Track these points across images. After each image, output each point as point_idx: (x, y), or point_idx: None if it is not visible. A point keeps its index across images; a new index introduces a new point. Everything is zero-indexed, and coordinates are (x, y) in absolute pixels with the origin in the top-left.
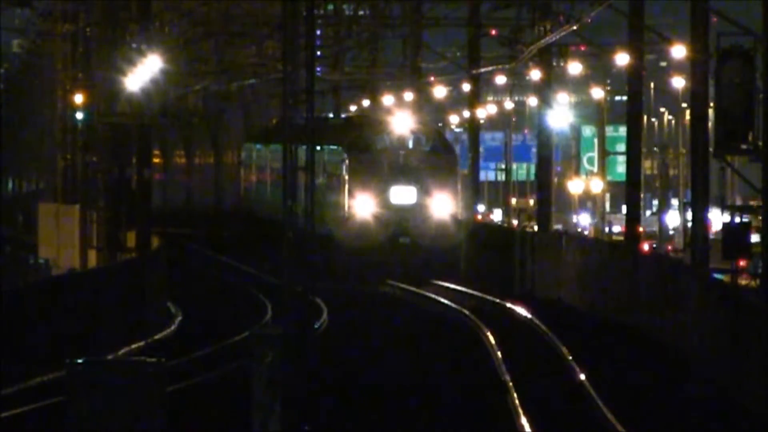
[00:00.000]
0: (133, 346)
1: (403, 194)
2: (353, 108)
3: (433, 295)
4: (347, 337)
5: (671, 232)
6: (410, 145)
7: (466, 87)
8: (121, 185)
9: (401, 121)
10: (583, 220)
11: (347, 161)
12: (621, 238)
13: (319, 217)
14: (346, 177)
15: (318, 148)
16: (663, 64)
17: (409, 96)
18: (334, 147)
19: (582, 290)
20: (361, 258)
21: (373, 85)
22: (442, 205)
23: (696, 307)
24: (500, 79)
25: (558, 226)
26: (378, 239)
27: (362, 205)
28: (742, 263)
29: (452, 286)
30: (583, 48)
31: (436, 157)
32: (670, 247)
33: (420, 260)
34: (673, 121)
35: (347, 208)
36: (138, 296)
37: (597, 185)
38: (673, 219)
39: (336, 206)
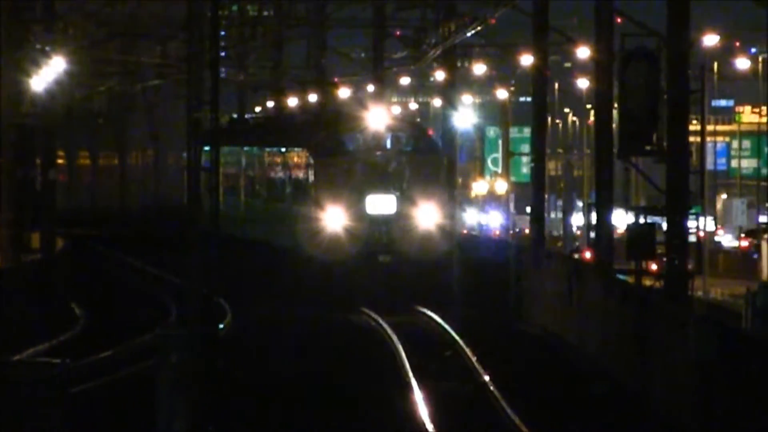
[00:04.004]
0: (39, 347)
1: (380, 203)
2: (258, 109)
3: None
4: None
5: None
6: (388, 145)
7: (371, 88)
8: (25, 186)
9: (377, 117)
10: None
11: (314, 165)
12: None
13: (286, 231)
14: (314, 184)
15: (283, 150)
16: (568, 65)
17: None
18: (299, 149)
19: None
20: (333, 279)
21: (278, 86)
22: (428, 215)
23: (600, 306)
24: (405, 80)
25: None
26: (352, 256)
27: (333, 217)
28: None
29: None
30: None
31: (419, 159)
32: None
33: (402, 281)
34: (577, 122)
35: (315, 221)
36: (43, 297)
37: (501, 186)
38: (577, 220)
39: (304, 219)
